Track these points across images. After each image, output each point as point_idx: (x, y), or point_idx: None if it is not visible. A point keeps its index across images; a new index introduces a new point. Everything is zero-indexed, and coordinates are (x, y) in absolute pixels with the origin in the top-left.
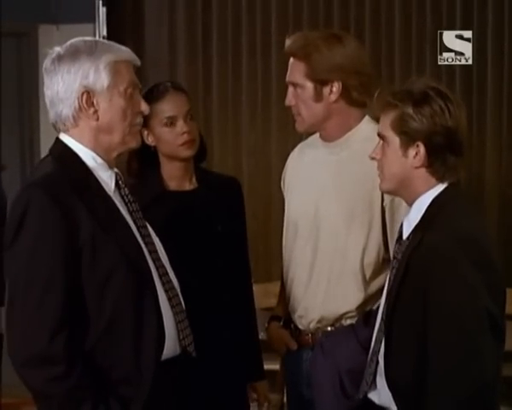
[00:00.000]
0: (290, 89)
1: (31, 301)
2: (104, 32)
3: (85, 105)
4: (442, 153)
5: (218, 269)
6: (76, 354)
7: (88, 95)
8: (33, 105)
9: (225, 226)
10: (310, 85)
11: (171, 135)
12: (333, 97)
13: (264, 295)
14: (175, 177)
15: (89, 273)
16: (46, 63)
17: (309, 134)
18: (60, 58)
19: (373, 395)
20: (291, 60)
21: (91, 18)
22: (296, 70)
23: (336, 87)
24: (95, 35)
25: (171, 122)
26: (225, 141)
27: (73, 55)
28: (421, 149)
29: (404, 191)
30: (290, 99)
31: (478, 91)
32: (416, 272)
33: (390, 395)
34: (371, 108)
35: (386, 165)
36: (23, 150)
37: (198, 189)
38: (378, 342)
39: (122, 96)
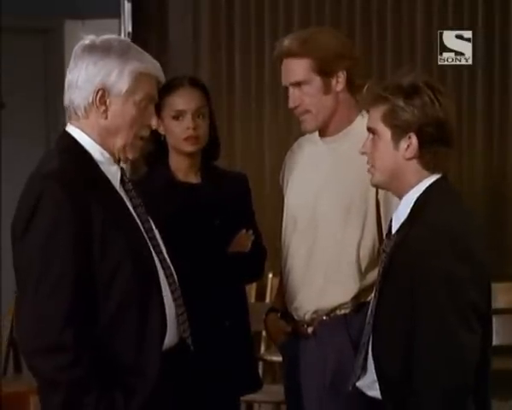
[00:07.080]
0: (292, 90)
1: (43, 291)
2: (129, 28)
3: (98, 102)
4: (433, 144)
5: (212, 262)
6: (84, 344)
7: (103, 93)
8: (60, 99)
9: (224, 221)
10: (317, 79)
11: (178, 128)
12: (340, 87)
13: None
14: (180, 169)
15: (98, 266)
16: (77, 48)
17: None
18: (91, 48)
19: (364, 387)
20: (288, 61)
21: (116, 13)
22: (299, 68)
23: (342, 76)
24: (120, 31)
25: (179, 116)
26: (248, 135)
27: (105, 50)
28: (414, 140)
29: (395, 184)
30: (295, 100)
31: (478, 91)
32: (399, 269)
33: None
34: (360, 101)
35: (378, 158)
36: (49, 148)
37: (201, 183)
38: (367, 335)
39: (135, 106)
